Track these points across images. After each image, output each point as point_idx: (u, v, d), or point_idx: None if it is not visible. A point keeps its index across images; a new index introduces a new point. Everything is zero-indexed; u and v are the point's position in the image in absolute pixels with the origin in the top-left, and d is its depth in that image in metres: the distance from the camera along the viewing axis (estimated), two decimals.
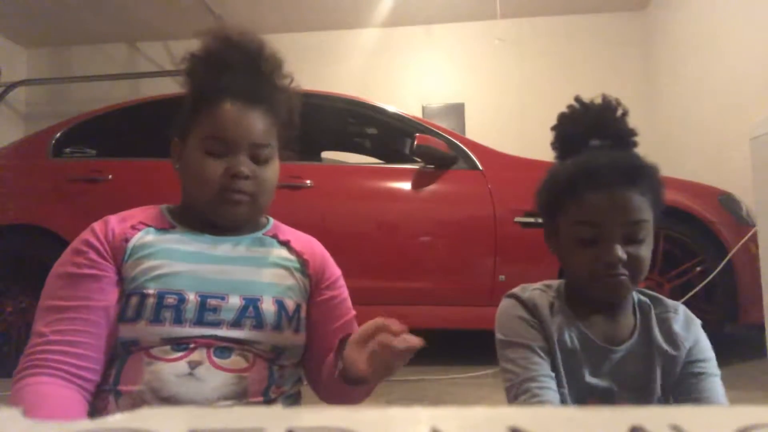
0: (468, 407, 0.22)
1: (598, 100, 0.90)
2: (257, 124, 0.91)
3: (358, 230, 2.68)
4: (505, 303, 0.93)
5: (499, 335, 0.91)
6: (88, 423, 0.22)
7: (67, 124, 3.03)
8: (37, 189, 2.81)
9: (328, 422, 0.22)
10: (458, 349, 3.00)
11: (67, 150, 2.91)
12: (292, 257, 0.96)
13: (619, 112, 0.89)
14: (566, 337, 0.88)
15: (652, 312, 0.91)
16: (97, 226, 0.90)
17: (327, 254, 1.03)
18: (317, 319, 0.96)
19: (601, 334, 0.89)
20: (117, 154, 2.92)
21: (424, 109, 5.27)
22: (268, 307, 0.88)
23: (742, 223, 2.56)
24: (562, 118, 0.92)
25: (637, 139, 0.90)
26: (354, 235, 2.64)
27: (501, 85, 5.32)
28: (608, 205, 0.82)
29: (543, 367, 0.86)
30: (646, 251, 0.84)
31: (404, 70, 5.44)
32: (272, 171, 0.94)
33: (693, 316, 0.93)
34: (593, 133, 0.89)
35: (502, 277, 2.57)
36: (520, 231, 2.58)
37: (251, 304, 0.87)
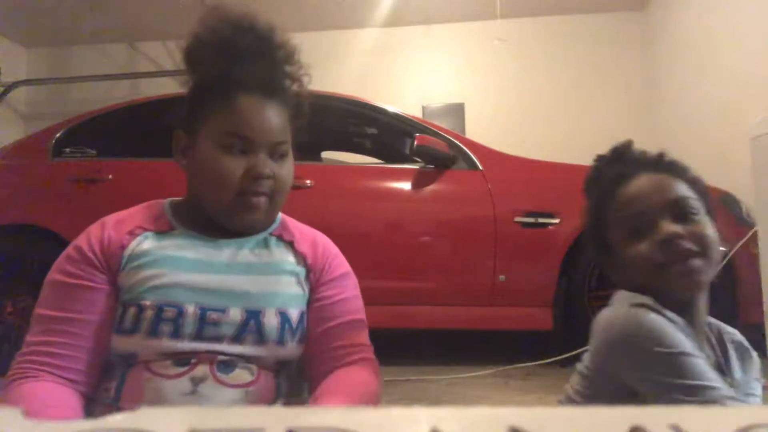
0: (468, 407, 0.22)
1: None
2: (276, 120, 0.86)
3: (358, 230, 2.67)
4: (651, 316, 0.78)
5: (658, 348, 0.75)
6: (88, 423, 0.22)
7: (67, 124, 3.02)
8: (37, 189, 2.81)
9: (328, 422, 0.22)
10: (458, 349, 2.99)
11: (67, 150, 2.91)
12: (296, 261, 0.90)
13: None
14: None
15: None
16: (93, 230, 0.86)
17: (333, 250, 0.96)
18: (313, 320, 0.88)
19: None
20: (117, 154, 2.91)
21: (424, 109, 5.26)
22: (270, 320, 0.83)
23: (742, 223, 2.56)
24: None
25: None
26: (354, 235, 2.64)
27: (501, 85, 5.31)
28: None
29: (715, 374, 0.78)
30: None
31: (404, 70, 5.43)
32: (289, 168, 0.89)
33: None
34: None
35: (502, 277, 2.57)
36: (520, 231, 2.57)
37: (253, 317, 0.82)
